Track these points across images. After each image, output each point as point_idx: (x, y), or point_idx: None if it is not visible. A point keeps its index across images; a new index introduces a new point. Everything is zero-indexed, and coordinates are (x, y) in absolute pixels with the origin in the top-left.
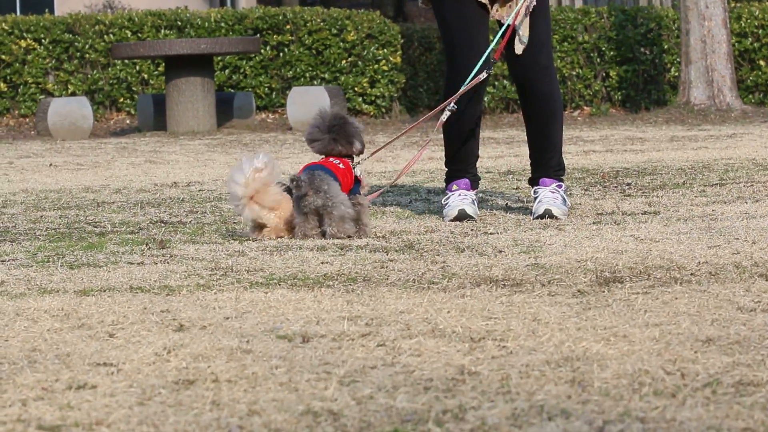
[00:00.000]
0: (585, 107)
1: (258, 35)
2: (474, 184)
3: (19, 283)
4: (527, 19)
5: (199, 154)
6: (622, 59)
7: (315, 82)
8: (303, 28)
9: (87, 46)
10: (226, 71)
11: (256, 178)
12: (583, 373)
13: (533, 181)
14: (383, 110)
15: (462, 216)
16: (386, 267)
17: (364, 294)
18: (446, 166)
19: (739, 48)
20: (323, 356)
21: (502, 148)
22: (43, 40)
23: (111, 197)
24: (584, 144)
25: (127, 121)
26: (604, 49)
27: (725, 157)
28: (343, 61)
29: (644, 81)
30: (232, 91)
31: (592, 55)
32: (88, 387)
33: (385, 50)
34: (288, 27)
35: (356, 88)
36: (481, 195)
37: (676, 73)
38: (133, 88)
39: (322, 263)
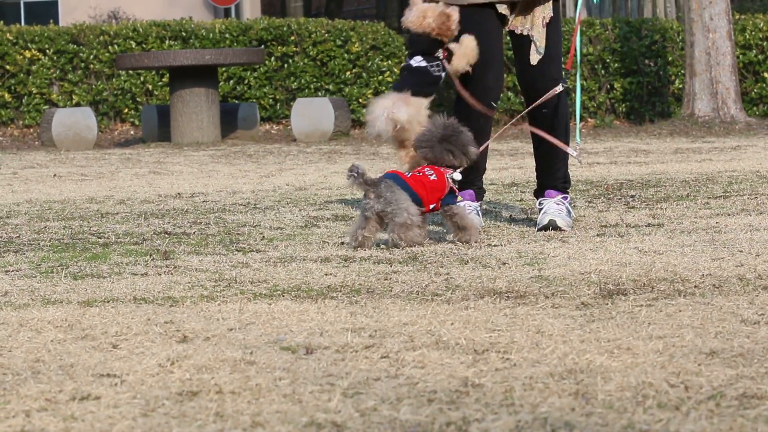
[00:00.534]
0: (589, 119)
1: (262, 46)
2: (479, 195)
3: (22, 293)
4: (544, 30)
5: (203, 165)
6: (627, 71)
7: (319, 94)
8: (307, 39)
9: (91, 57)
10: (231, 82)
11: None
12: (586, 385)
13: (538, 193)
14: None
15: None
16: (390, 279)
17: (368, 306)
18: None
19: (743, 60)
20: (327, 368)
21: (507, 160)
22: (47, 51)
23: (115, 208)
24: (588, 156)
25: (132, 132)
26: (608, 61)
27: (729, 170)
28: (348, 73)
29: (648, 93)
30: (236, 102)
31: (596, 67)
32: (92, 398)
33: (390, 61)
34: (292, 38)
35: (361, 100)
36: (485, 207)
37: (681, 85)
38: (138, 99)
39: (326, 275)
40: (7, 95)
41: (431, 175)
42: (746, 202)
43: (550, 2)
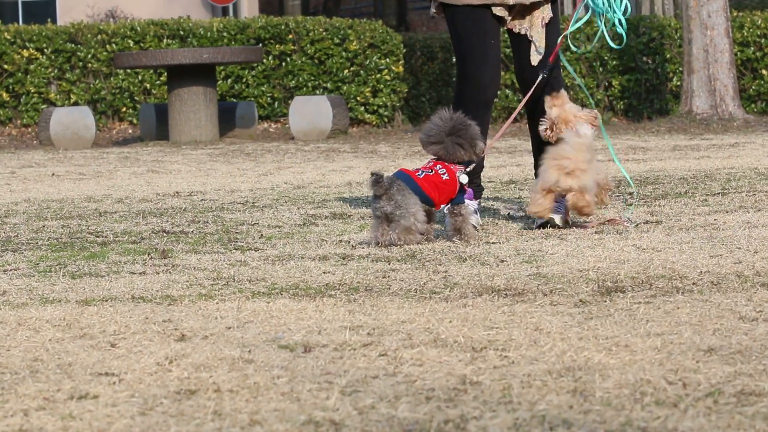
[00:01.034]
0: None
1: (260, 45)
2: (477, 193)
3: (21, 292)
4: (543, 30)
5: (201, 163)
6: (625, 68)
7: (317, 92)
8: (305, 37)
9: (89, 56)
10: (229, 81)
11: None
12: (584, 382)
13: None
14: (385, 120)
15: None
16: (388, 277)
17: (366, 304)
18: None
19: (741, 57)
20: (325, 366)
21: (504, 158)
22: (45, 50)
23: (113, 207)
24: None
25: (130, 131)
26: (606, 58)
27: (727, 167)
28: (346, 71)
29: (647, 90)
30: (234, 100)
31: (594, 64)
32: (90, 397)
33: (388, 60)
34: (290, 36)
35: (358, 98)
36: (483, 204)
37: (679, 83)
38: (136, 98)
39: (324, 273)
40: (5, 94)
41: (444, 174)
42: (744, 199)
43: (549, 4)
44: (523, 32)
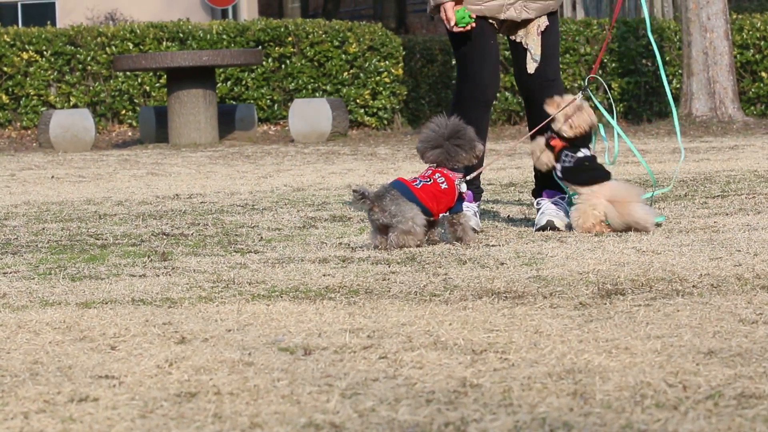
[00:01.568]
0: None
1: (260, 47)
2: (476, 196)
3: (20, 295)
4: (539, 38)
5: (200, 166)
6: (624, 71)
7: (317, 94)
8: (305, 40)
9: (89, 58)
10: (228, 83)
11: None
12: (585, 385)
13: (536, 193)
14: (385, 122)
15: None
16: (388, 279)
17: (366, 306)
18: None
19: (740, 60)
20: (325, 369)
21: (504, 160)
22: (45, 52)
23: (113, 209)
24: None
25: (129, 133)
26: (606, 60)
27: (727, 169)
28: (345, 73)
29: (646, 93)
30: (233, 103)
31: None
32: (90, 400)
33: (387, 62)
34: (290, 39)
35: (358, 100)
36: (483, 207)
37: (678, 85)
38: (135, 100)
39: (324, 275)
40: (4, 97)
41: (442, 183)
42: (744, 202)
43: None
44: (518, 40)
